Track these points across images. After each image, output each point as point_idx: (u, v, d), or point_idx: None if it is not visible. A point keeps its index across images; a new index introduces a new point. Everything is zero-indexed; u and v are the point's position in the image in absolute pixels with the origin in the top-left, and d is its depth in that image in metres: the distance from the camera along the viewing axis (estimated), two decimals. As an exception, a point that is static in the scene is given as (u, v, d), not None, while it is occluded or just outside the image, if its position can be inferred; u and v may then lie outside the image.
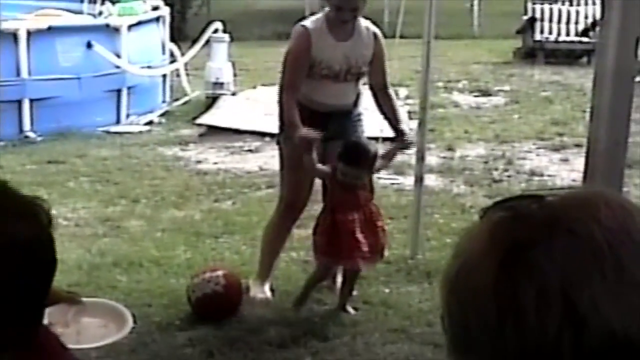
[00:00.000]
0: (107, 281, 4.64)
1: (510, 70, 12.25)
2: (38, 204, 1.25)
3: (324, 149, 4.20)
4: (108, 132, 8.45)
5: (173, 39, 10.32)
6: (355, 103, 4.41)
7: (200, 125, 8.62)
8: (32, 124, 8.11)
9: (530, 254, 0.72)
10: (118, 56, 8.68)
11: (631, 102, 2.79)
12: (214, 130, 8.38)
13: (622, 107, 2.77)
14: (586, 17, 13.10)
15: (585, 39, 12.83)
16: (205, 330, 4.10)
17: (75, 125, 8.16)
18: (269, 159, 6.70)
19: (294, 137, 4.05)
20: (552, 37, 13.13)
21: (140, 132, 8.58)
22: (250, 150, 7.69)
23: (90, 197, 6.04)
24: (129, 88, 8.92)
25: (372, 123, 4.76)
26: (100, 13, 9.14)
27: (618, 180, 2.81)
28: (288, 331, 4.08)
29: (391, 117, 4.37)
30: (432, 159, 6.83)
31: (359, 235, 4.07)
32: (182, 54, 10.14)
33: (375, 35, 4.30)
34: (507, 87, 10.91)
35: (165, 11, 9.95)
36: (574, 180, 6.41)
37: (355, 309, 4.32)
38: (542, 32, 13.16)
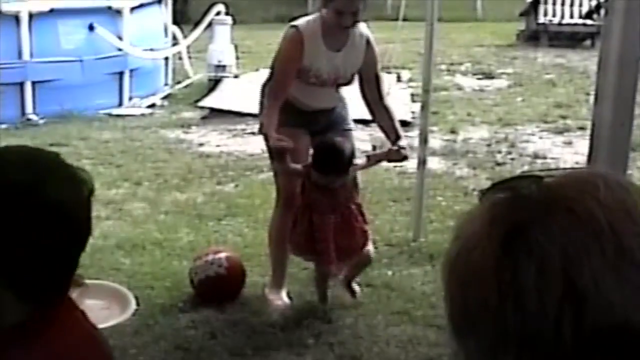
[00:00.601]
0: (110, 264, 4.65)
1: (514, 53, 12.22)
2: (83, 176, 1.37)
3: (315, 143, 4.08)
4: (110, 115, 8.45)
5: (175, 21, 10.30)
6: (341, 97, 4.21)
7: (202, 108, 8.61)
8: (34, 106, 8.11)
9: (530, 234, 0.72)
10: (120, 39, 8.66)
11: (636, 84, 2.77)
12: (216, 113, 8.37)
13: (627, 89, 2.76)
14: (590, 0, 13.04)
15: (589, 22, 12.79)
16: (208, 312, 4.11)
17: (77, 107, 8.16)
18: (272, 141, 6.69)
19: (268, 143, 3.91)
20: (556, 20, 13.08)
21: (143, 114, 8.57)
22: (252, 133, 7.66)
23: (93, 180, 6.03)
24: (131, 71, 8.91)
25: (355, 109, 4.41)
26: (102, -5, 9.11)
27: (622, 163, 2.80)
28: (291, 313, 4.09)
29: (390, 132, 4.03)
30: (435, 142, 6.82)
31: (332, 240, 3.91)
32: (185, 37, 10.13)
33: (367, 40, 4.03)
34: (510, 70, 10.89)
35: (167, -7, 9.92)
36: (577, 163, 6.40)
37: (358, 285, 4.29)
38: (545, 14, 13.12)
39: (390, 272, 4.55)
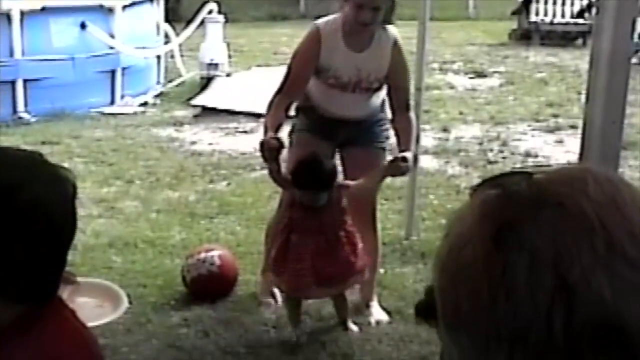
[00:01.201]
0: (102, 262, 4.64)
1: (506, 51, 12.24)
2: (66, 174, 1.37)
3: (342, 156, 3.99)
4: (102, 113, 8.43)
5: (167, 19, 10.28)
6: (373, 112, 3.96)
7: (194, 106, 8.60)
8: (25, 104, 8.09)
9: (520, 230, 0.72)
10: (112, 37, 8.65)
11: (627, 83, 2.79)
12: (208, 111, 8.37)
13: (618, 88, 2.77)
14: (581, -1, 13.10)
15: (580, 21, 12.83)
16: (200, 310, 4.11)
17: (69, 106, 8.15)
18: (264, 140, 6.69)
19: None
20: (548, 19, 13.12)
21: (135, 113, 8.56)
22: (244, 132, 7.69)
23: (85, 178, 6.03)
24: (123, 69, 8.90)
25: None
26: (94, -7, 9.09)
27: (614, 161, 2.81)
28: (283, 311, 4.10)
29: (402, 140, 3.79)
30: (427, 140, 6.83)
31: (310, 263, 3.64)
32: (177, 35, 10.11)
33: (395, 41, 3.79)
34: (502, 69, 10.91)
35: (159, -9, 9.91)
36: (568, 162, 6.42)
37: (355, 324, 4.00)
38: (537, 13, 13.15)
39: (382, 270, 4.55)
